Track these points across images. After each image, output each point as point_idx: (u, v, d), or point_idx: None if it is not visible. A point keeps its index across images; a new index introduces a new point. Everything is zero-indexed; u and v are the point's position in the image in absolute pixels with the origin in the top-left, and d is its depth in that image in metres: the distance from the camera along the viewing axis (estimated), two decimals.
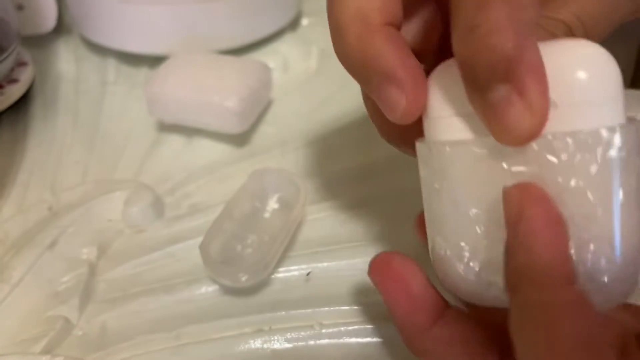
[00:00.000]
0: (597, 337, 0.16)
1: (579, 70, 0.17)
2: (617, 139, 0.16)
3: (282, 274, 0.27)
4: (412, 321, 0.20)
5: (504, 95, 0.17)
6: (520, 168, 0.17)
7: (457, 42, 0.17)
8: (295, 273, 0.27)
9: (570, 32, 0.21)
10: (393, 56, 0.18)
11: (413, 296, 0.20)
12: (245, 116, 0.34)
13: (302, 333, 0.24)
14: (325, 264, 0.27)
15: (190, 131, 0.35)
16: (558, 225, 0.16)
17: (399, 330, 0.20)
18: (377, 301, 0.25)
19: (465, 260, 0.18)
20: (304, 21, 0.46)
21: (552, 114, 0.17)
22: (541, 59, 0.17)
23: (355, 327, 0.24)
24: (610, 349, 0.16)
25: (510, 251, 0.17)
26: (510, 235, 0.17)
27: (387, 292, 0.20)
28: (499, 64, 0.16)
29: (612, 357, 0.16)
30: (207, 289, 0.27)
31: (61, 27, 0.45)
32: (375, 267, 0.21)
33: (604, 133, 0.16)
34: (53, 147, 0.35)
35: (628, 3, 0.22)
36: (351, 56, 0.19)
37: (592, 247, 0.17)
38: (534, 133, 0.17)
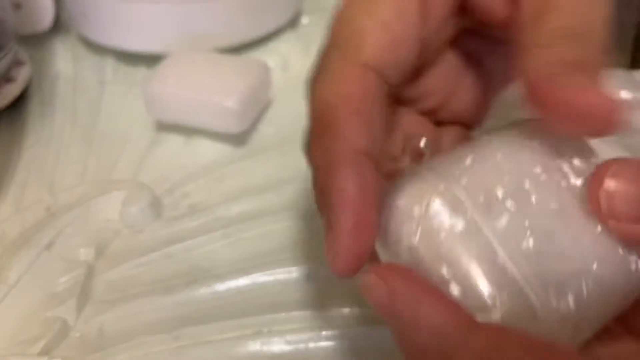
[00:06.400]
0: None
1: None
2: None
3: (281, 274, 0.27)
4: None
5: (326, 227, 0.18)
6: None
7: None
8: (295, 274, 0.27)
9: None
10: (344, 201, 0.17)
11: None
12: (245, 116, 0.34)
13: (302, 335, 0.24)
14: (325, 266, 0.27)
15: (189, 131, 0.35)
16: None
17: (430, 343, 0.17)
18: None
19: None
20: (304, 20, 0.45)
21: None
22: (353, 189, 0.17)
23: (356, 329, 0.24)
24: None
25: None
26: None
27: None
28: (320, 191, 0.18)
29: None
30: (206, 290, 0.26)
31: (59, 26, 0.44)
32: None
33: None
34: (50, 147, 0.35)
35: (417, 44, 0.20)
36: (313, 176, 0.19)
37: None
38: (342, 274, 0.18)
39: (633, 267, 0.17)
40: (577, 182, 0.18)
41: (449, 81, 0.22)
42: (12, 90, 0.36)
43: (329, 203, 0.17)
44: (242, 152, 0.34)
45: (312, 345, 0.24)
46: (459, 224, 0.17)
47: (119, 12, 0.39)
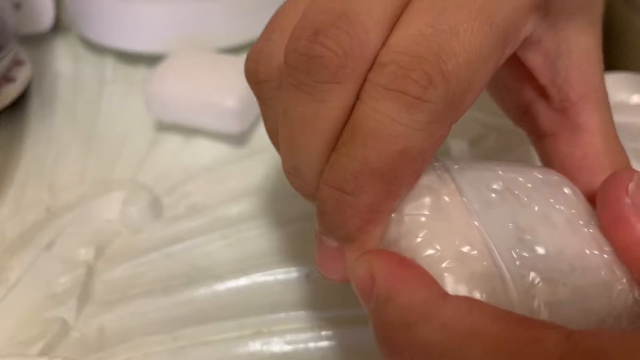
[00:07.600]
0: None
1: None
2: None
3: (281, 274, 0.27)
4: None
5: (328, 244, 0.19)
6: None
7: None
8: (295, 274, 0.27)
9: None
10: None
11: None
12: (245, 116, 0.34)
13: (302, 335, 0.24)
14: None
15: (188, 131, 0.35)
16: None
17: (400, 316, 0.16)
18: None
19: None
20: None
21: None
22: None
23: (356, 329, 0.24)
24: None
25: None
26: None
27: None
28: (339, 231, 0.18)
29: None
30: (206, 291, 0.26)
31: (59, 26, 0.44)
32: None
33: None
34: (50, 147, 0.35)
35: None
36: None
37: None
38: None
39: (618, 287, 0.17)
40: (571, 210, 0.18)
41: None
42: (12, 91, 0.36)
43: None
44: (242, 152, 0.34)
45: (312, 345, 0.24)
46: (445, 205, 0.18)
47: (119, 12, 0.39)
